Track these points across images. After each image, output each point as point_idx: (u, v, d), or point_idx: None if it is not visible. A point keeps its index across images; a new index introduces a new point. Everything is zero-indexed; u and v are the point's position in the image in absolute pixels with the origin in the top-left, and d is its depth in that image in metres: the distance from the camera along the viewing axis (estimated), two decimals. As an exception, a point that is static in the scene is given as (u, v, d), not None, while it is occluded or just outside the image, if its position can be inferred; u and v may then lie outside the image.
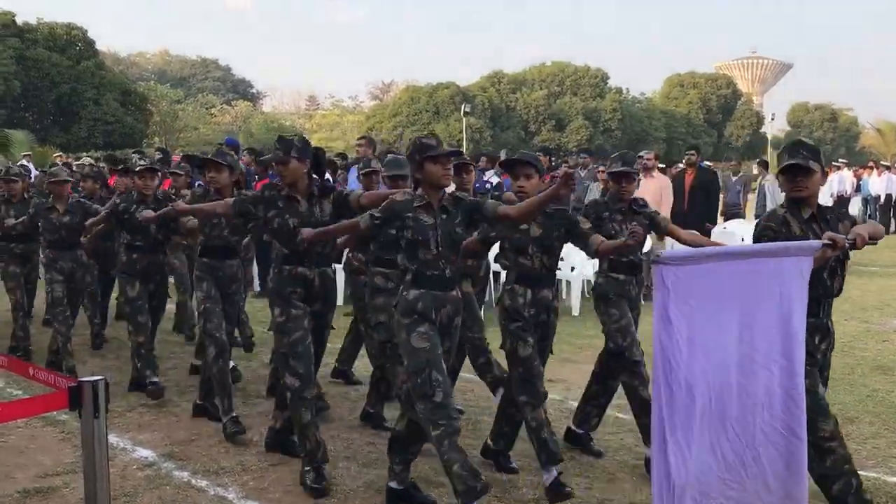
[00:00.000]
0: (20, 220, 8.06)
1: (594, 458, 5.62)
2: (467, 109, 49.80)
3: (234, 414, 6.01)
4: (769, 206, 18.12)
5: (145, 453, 5.73)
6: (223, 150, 6.79)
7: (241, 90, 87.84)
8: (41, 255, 8.31)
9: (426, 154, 4.51)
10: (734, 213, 15.58)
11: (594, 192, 12.29)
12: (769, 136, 69.68)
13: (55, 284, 7.77)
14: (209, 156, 6.47)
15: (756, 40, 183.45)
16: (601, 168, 13.45)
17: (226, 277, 6.31)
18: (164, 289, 7.39)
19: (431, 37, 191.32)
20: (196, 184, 9.30)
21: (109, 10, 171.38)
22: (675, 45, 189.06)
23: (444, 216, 4.54)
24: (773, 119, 69.37)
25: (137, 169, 7.15)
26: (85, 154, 31.47)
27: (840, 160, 26.52)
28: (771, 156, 56.55)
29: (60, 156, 26.41)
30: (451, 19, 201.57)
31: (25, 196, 9.19)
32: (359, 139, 11.60)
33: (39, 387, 3.44)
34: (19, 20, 42.52)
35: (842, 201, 22.30)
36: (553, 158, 15.21)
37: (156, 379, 6.91)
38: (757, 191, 16.69)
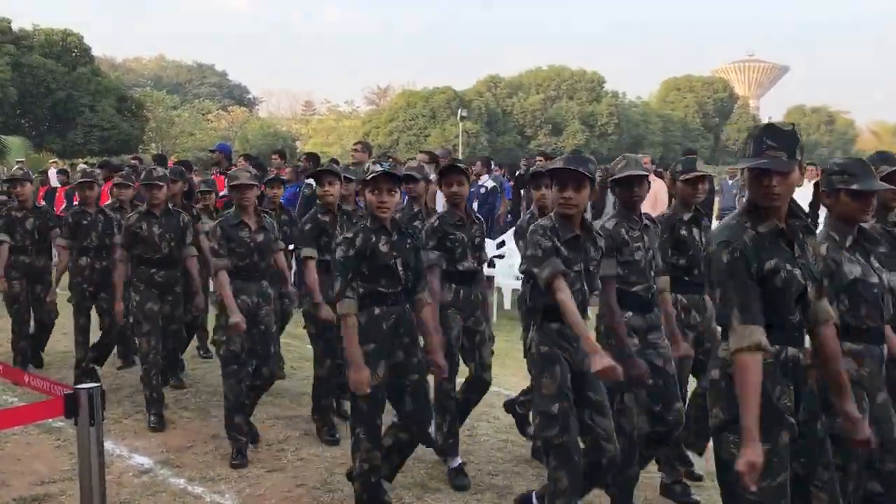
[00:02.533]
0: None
1: None
2: (463, 114, 49.75)
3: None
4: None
5: (141, 460, 5.71)
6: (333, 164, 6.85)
7: (237, 95, 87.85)
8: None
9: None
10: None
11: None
12: (766, 140, 69.77)
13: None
14: (325, 166, 6.55)
15: (752, 44, 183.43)
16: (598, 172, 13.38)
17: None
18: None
19: (428, 41, 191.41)
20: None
21: (105, 16, 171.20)
22: (672, 49, 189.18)
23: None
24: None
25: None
26: (81, 160, 31.46)
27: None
28: (767, 159, 56.54)
29: (56, 162, 26.45)
30: (447, 24, 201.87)
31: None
32: (354, 145, 11.58)
33: (36, 394, 3.42)
34: (15, 26, 42.48)
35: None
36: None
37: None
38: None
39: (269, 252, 5.88)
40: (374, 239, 4.40)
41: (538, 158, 14.88)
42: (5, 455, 5.80)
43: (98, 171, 17.29)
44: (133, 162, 16.57)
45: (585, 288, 4.17)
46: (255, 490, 5.19)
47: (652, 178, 11.82)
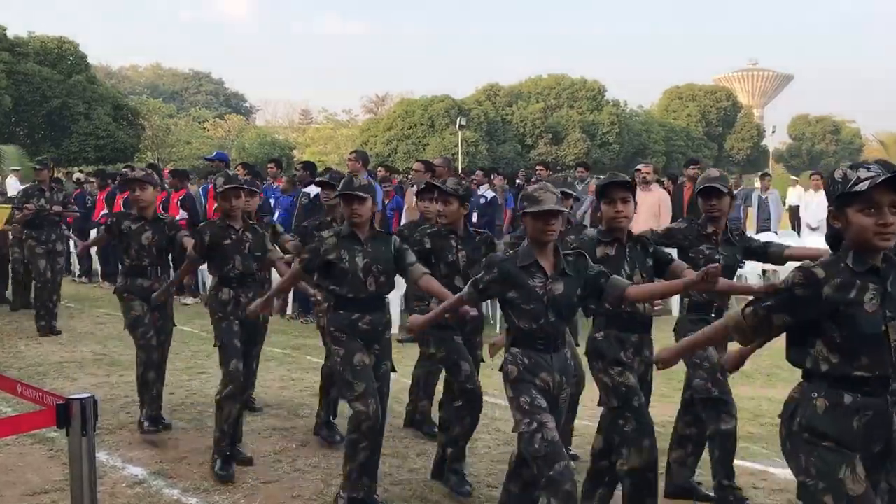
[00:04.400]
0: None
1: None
2: (463, 123, 49.68)
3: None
4: (773, 220, 18.10)
5: (135, 471, 5.70)
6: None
7: (234, 104, 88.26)
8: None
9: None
10: (734, 226, 15.37)
11: (586, 204, 12.27)
12: (770, 149, 69.68)
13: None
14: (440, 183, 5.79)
15: (756, 52, 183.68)
16: (593, 181, 13.37)
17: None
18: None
19: (426, 50, 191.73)
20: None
21: (101, 23, 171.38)
22: (674, 58, 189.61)
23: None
24: (773, 131, 69.38)
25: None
26: (76, 169, 31.34)
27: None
28: (772, 168, 56.62)
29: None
30: (447, 32, 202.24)
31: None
32: (350, 154, 11.73)
33: (28, 404, 3.44)
34: (10, 34, 42.35)
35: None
36: (551, 173, 15.16)
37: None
38: (757, 204, 16.55)
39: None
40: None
41: (538, 168, 14.91)
42: (-3, 465, 5.78)
43: (93, 179, 17.20)
44: (125, 170, 16.49)
45: None
46: (250, 501, 5.20)
47: (655, 187, 11.81)
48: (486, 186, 13.07)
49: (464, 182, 5.58)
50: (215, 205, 11.78)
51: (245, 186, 5.97)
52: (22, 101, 40.98)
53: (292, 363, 8.98)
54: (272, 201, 12.79)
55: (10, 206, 11.34)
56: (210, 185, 13.20)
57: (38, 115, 42.15)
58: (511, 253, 4.11)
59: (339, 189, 4.97)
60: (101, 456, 5.72)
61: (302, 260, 5.00)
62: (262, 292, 5.69)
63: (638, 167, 12.81)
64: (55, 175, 21.86)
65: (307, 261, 4.95)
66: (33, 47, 43.25)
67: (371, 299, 4.94)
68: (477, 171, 14.79)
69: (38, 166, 11.31)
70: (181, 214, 13.33)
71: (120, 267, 6.76)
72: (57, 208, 11.01)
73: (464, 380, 5.22)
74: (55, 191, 11.27)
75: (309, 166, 12.75)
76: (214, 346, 5.77)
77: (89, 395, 3.21)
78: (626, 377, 4.39)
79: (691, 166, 13.38)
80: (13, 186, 18.29)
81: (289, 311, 12.04)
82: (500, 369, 4.10)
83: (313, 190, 11.47)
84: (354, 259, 4.86)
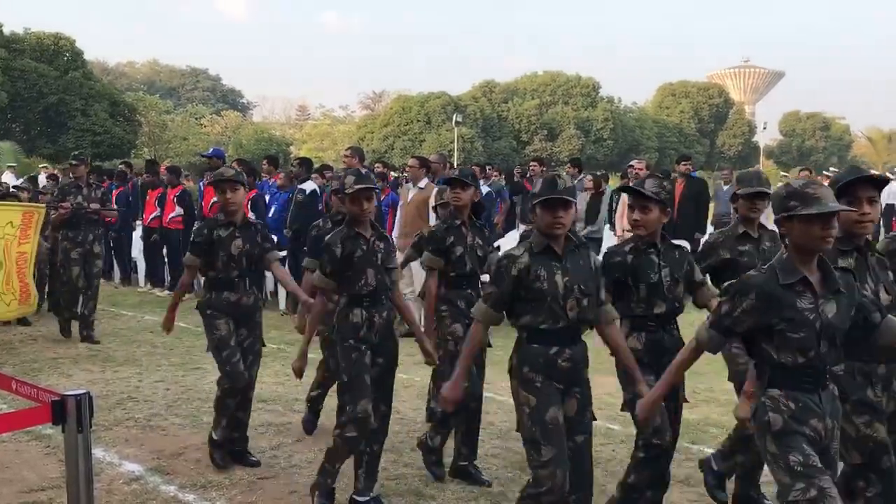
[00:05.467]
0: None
1: None
2: (459, 119, 50.07)
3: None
4: (761, 217, 18.16)
5: (132, 467, 5.68)
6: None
7: (231, 100, 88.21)
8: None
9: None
10: (724, 222, 15.47)
11: (581, 201, 12.21)
12: (761, 145, 70.03)
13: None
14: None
15: (748, 50, 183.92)
16: (589, 177, 13.44)
17: None
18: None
19: (423, 47, 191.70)
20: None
21: (97, 20, 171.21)
22: (667, 55, 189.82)
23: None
24: (765, 128, 69.75)
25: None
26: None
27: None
28: (763, 164, 56.84)
29: (46, 167, 26.25)
30: (443, 30, 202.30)
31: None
32: (345, 150, 11.63)
33: (24, 401, 3.41)
34: (6, 30, 42.48)
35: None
36: (545, 168, 15.17)
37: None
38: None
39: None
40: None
41: (532, 164, 15.00)
42: (-6, 462, 5.77)
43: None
44: (121, 167, 16.47)
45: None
46: (246, 497, 5.18)
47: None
48: (482, 181, 13.02)
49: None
50: (212, 200, 11.93)
51: (377, 187, 5.15)
52: (18, 98, 41.13)
53: (287, 358, 8.77)
54: (267, 197, 12.83)
55: (44, 205, 10.11)
56: (204, 182, 13.23)
57: (34, 112, 42.27)
58: (765, 268, 3.27)
59: (538, 192, 3.90)
60: (97, 452, 5.68)
61: (488, 296, 3.99)
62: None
63: (631, 163, 12.95)
64: (54, 172, 22.00)
65: (495, 295, 3.95)
66: (30, 44, 43.41)
67: (570, 328, 3.94)
68: (473, 167, 14.81)
69: (73, 161, 10.18)
70: (177, 210, 13.46)
71: (203, 279, 5.83)
72: (95, 206, 9.90)
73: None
74: (93, 187, 10.15)
75: (305, 163, 12.78)
76: (323, 375, 5.86)
77: (84, 391, 3.18)
78: (874, 428, 3.71)
79: (683, 162, 13.48)
80: (9, 181, 18.21)
81: (282, 306, 12.03)
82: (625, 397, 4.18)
83: (309, 186, 11.64)
84: (553, 278, 3.89)
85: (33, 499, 5.13)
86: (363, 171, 5.37)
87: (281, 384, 7.95)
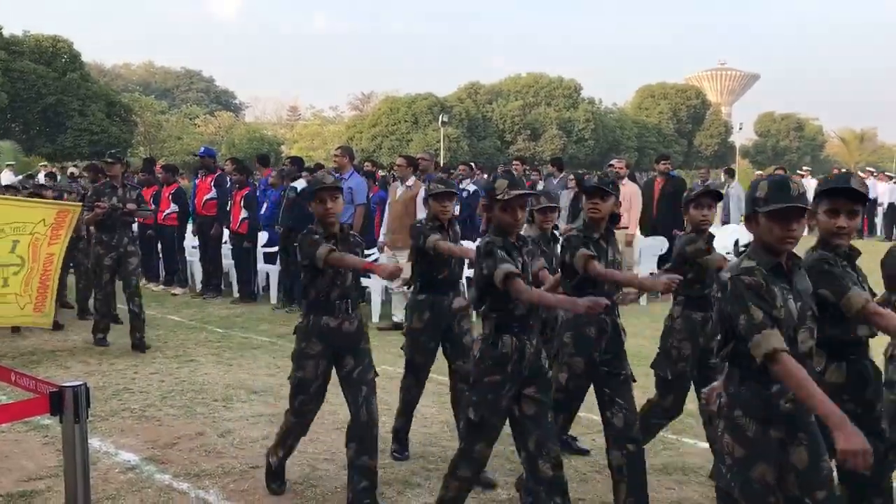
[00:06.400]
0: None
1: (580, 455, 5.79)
2: (445, 119, 50.50)
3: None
4: (734, 213, 18.92)
5: (127, 457, 5.74)
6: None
7: (224, 101, 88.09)
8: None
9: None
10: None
11: (565, 199, 12.80)
12: (737, 145, 70.88)
13: None
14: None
15: (725, 53, 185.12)
16: (571, 177, 14.09)
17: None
18: None
19: (411, 49, 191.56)
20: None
21: (94, 23, 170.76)
22: (647, 57, 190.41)
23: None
24: (740, 128, 70.46)
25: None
26: (71, 164, 31.96)
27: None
28: (738, 164, 57.57)
29: (46, 165, 27.02)
30: (430, 33, 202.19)
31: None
32: (336, 149, 12.03)
33: (23, 392, 3.47)
34: (5, 32, 42.50)
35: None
36: (527, 168, 16.04)
37: None
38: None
39: None
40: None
41: (514, 163, 15.27)
42: (-7, 452, 5.85)
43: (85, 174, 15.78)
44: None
45: None
46: (238, 486, 5.24)
47: (626, 182, 12.47)
48: (468, 181, 13.26)
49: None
50: (204, 197, 12.84)
51: (531, 192, 4.51)
52: (18, 98, 41.20)
53: (278, 351, 8.99)
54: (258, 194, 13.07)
55: (80, 204, 9.67)
56: (198, 180, 13.58)
57: (33, 112, 42.39)
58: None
59: (769, 197, 3.09)
60: (93, 442, 5.68)
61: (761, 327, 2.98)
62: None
63: (611, 162, 12.89)
64: (53, 170, 22.57)
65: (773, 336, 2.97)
66: (28, 46, 43.41)
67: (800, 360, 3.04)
68: (460, 166, 14.99)
69: (109, 160, 9.66)
70: (172, 207, 13.68)
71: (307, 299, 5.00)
72: (131, 206, 9.41)
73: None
74: (128, 188, 9.66)
75: (297, 161, 13.10)
76: (460, 417, 5.11)
77: (81, 382, 3.20)
78: None
79: (662, 162, 13.80)
80: (8, 180, 18.49)
81: (273, 300, 12.23)
82: None
83: (300, 184, 11.58)
84: (788, 304, 3.10)
85: (31, 487, 5.17)
86: (518, 176, 4.71)
87: (272, 375, 7.95)
